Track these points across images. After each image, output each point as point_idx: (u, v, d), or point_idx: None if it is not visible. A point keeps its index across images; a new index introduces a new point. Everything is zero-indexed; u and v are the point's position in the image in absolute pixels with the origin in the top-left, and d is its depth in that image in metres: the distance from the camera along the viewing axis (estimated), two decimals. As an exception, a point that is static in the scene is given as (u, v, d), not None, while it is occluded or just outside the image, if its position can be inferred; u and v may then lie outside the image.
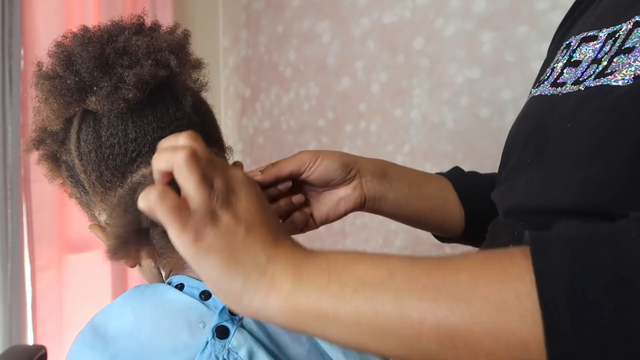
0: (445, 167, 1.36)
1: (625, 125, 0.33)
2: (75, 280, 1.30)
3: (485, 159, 1.32)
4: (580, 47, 0.42)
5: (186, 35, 0.49)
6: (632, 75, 0.35)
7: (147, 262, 0.51)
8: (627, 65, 0.35)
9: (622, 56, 0.36)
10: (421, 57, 1.39)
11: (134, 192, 0.39)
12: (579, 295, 0.24)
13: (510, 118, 1.27)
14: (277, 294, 0.32)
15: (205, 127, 0.49)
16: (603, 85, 0.37)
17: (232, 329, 0.43)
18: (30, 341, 1.20)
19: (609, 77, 0.36)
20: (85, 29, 0.46)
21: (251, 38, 1.78)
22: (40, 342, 1.18)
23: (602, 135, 0.35)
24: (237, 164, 0.50)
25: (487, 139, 1.31)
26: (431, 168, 1.40)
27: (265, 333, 0.44)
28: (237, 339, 0.42)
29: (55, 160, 0.50)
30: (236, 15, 1.82)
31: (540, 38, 1.19)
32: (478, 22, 1.29)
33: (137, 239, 0.41)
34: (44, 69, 0.46)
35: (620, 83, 0.35)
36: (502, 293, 0.26)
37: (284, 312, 0.32)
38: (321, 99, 1.60)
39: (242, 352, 0.41)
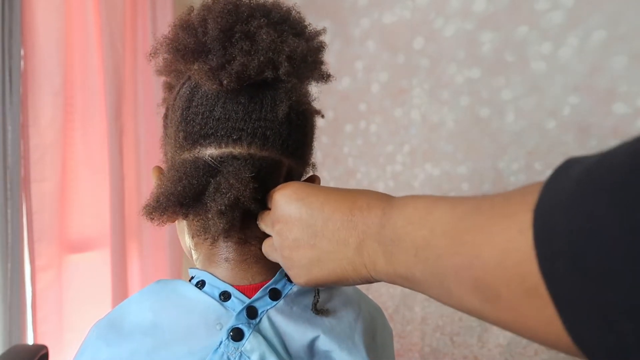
0: (446, 167, 1.37)
1: None
2: (75, 280, 1.30)
3: (485, 159, 1.32)
4: None
5: (319, 48, 0.49)
6: None
7: (182, 224, 0.51)
8: None
9: None
10: (421, 57, 1.39)
11: (197, 168, 0.44)
12: (576, 251, 0.21)
13: (510, 118, 1.27)
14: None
15: (290, 140, 0.46)
16: None
17: (247, 332, 0.42)
18: (30, 341, 1.19)
19: None
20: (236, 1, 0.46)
21: (251, 38, 1.78)
22: (40, 342, 1.18)
23: None
24: (311, 178, 0.53)
25: (487, 139, 1.31)
26: (431, 168, 1.40)
27: (279, 341, 0.43)
28: (251, 343, 0.41)
29: (170, 90, 0.52)
30: (236, 15, 1.82)
31: (540, 38, 1.19)
32: (478, 22, 1.29)
33: (173, 211, 0.44)
34: (189, 17, 0.47)
35: None
36: (507, 232, 0.25)
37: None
38: (321, 99, 1.60)
39: (254, 357, 0.41)
